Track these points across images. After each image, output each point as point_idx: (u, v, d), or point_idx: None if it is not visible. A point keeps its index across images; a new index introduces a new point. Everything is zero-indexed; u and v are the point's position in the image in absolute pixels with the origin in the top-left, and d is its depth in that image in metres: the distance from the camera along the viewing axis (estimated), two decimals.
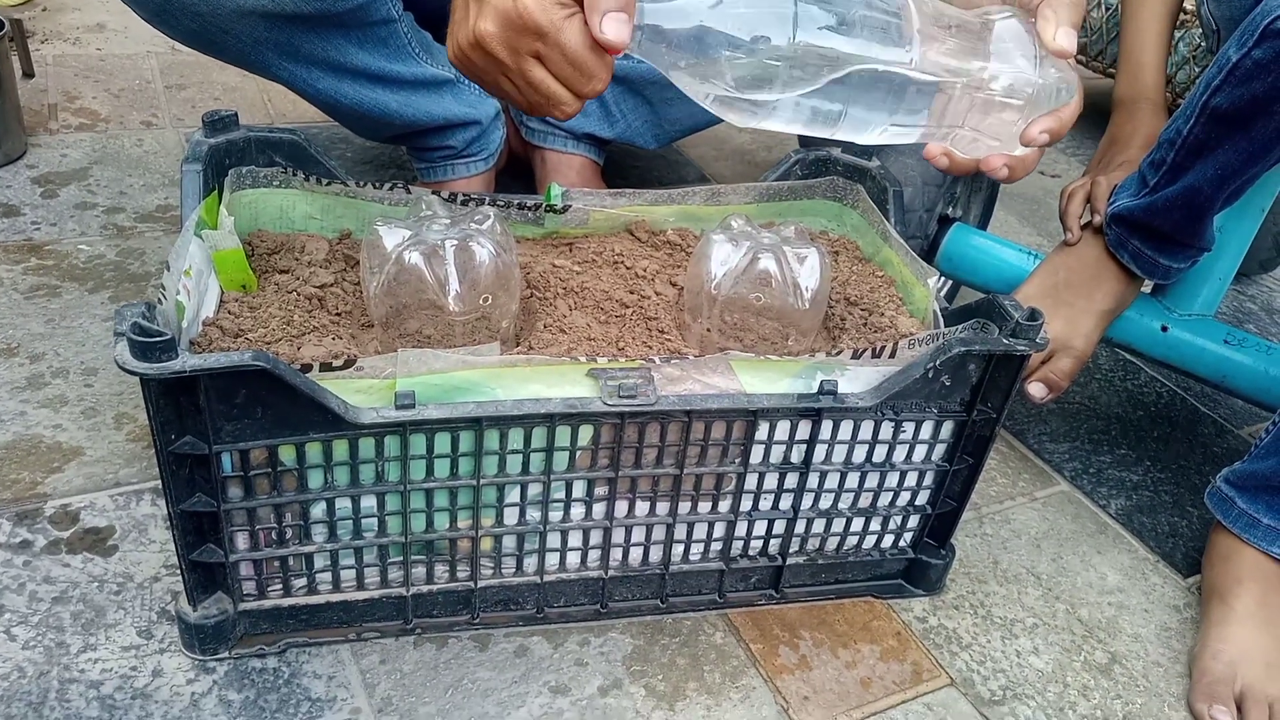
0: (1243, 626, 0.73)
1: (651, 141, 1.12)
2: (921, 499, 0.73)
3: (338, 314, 0.71)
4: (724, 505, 0.69)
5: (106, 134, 1.24)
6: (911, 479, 0.71)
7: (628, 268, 0.81)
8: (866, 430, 0.67)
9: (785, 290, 0.71)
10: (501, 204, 0.80)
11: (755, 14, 0.54)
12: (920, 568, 0.76)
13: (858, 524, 0.72)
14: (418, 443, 0.60)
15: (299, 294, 0.71)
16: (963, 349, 0.64)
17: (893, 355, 0.65)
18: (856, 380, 0.66)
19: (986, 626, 0.75)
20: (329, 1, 0.84)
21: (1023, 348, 0.64)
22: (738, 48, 0.54)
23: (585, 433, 0.62)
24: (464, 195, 0.79)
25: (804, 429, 0.66)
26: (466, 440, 0.60)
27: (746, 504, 0.69)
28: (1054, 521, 0.86)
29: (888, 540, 0.74)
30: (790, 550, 0.72)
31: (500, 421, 0.60)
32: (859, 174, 0.87)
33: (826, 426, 0.66)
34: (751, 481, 0.68)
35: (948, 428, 0.69)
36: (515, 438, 0.61)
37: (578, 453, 0.63)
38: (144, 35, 1.52)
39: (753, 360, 0.65)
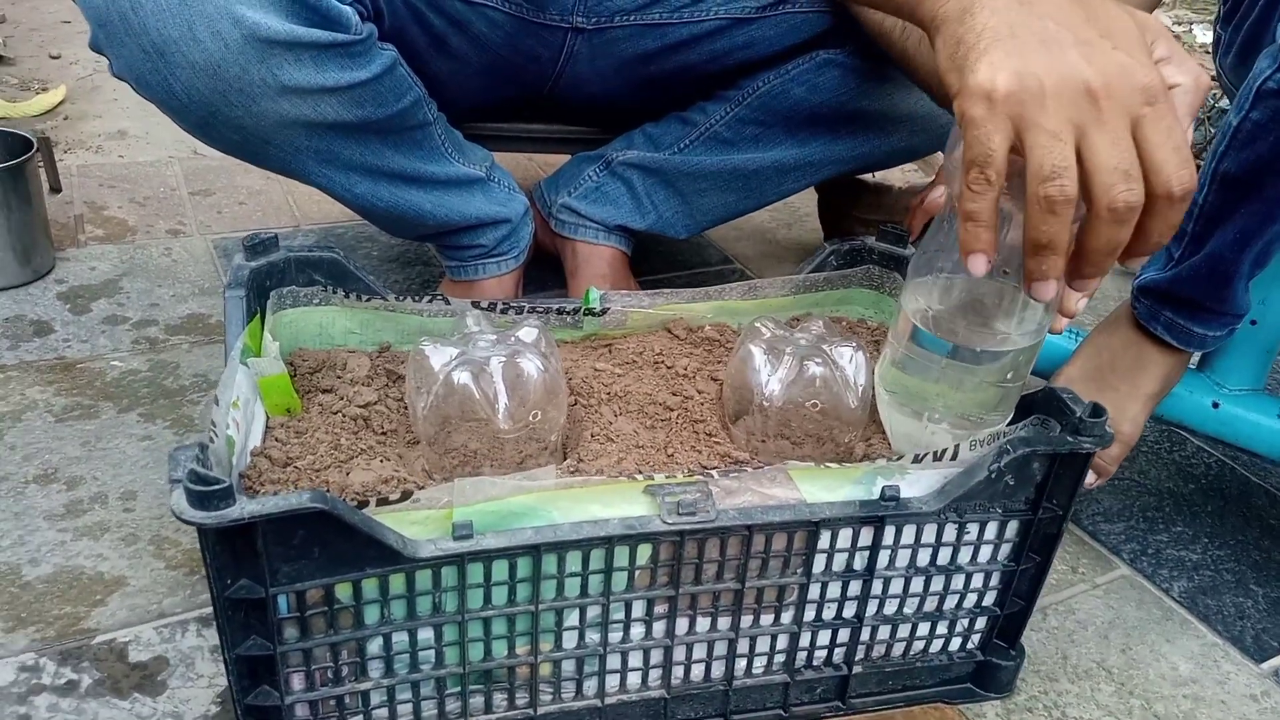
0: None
1: (682, 231, 1.12)
2: (989, 600, 0.70)
3: (383, 433, 0.70)
4: (786, 616, 0.67)
5: (134, 244, 1.25)
6: (978, 580, 0.69)
7: (668, 367, 0.80)
8: (930, 533, 0.66)
9: (838, 391, 0.70)
10: (541, 310, 0.80)
11: None
12: (990, 670, 0.73)
13: (924, 628, 0.70)
14: (475, 572, 0.58)
15: (344, 415, 0.70)
16: (1026, 449, 0.62)
17: (954, 457, 0.64)
18: (918, 484, 0.64)
19: None
20: (370, 109, 0.85)
21: (1088, 445, 0.63)
22: None
23: (644, 551, 0.61)
24: (504, 304, 0.78)
25: (866, 535, 0.64)
26: (524, 566, 0.59)
27: (810, 614, 0.67)
28: (1119, 610, 0.84)
29: (955, 643, 0.72)
30: (856, 658, 0.70)
31: (559, 546, 0.58)
32: (895, 262, 0.86)
33: (889, 532, 0.64)
34: (814, 591, 0.66)
35: (1013, 527, 0.67)
36: (573, 560, 0.60)
37: (637, 572, 0.61)
38: (166, 140, 1.54)
39: (811, 469, 0.63)
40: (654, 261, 1.29)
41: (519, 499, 0.59)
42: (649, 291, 0.83)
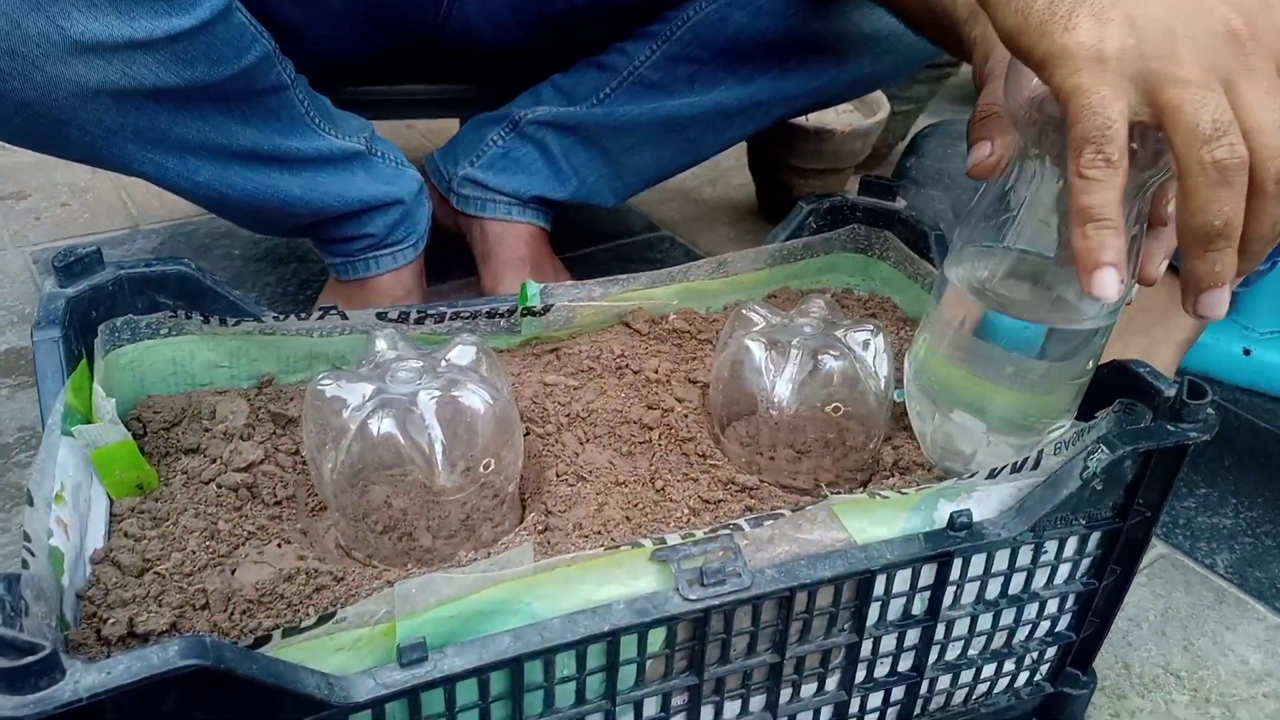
0: None
1: (610, 198, 0.95)
2: (1063, 624, 0.58)
3: (276, 503, 0.52)
4: (832, 682, 0.52)
5: None
6: (1053, 605, 0.56)
7: (635, 371, 0.64)
8: (1002, 560, 0.52)
9: (862, 390, 0.56)
10: (467, 315, 0.63)
11: None
12: (1060, 702, 0.61)
13: (989, 669, 0.57)
14: (434, 701, 0.41)
15: (219, 485, 0.52)
16: (1126, 447, 0.49)
17: (1036, 466, 0.50)
18: (987, 502, 0.50)
19: None
20: (202, 70, 0.65)
21: (1194, 435, 0.50)
22: None
23: (657, 637, 0.45)
24: (418, 310, 0.61)
25: (928, 573, 0.50)
26: (500, 681, 0.43)
27: (860, 674, 0.53)
28: (1168, 597, 0.73)
29: (1022, 677, 0.59)
30: (914, 714, 0.56)
31: (548, 651, 0.42)
32: (884, 219, 0.72)
33: (957, 565, 0.50)
34: (866, 648, 0.51)
35: (1095, 539, 0.54)
36: (565, 662, 0.44)
37: (648, 662, 0.46)
38: None
39: (860, 501, 0.49)
40: (567, 235, 1.11)
41: (484, 594, 0.42)
42: (598, 280, 0.67)
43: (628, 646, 0.44)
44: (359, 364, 0.51)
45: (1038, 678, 0.60)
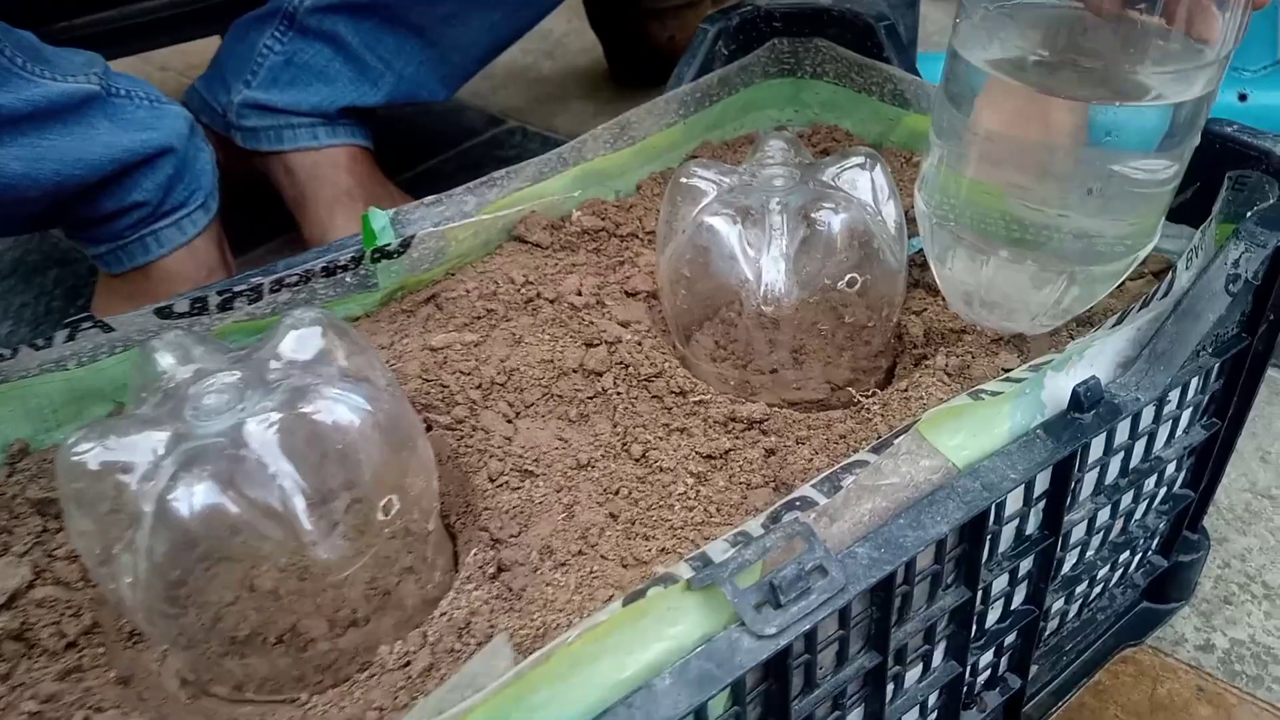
0: None
1: (440, 89, 0.74)
2: (1179, 483, 0.44)
3: (70, 645, 0.33)
4: (938, 655, 0.38)
5: None
6: (1171, 466, 0.42)
7: (550, 300, 0.46)
8: (1121, 430, 0.38)
9: (882, 246, 0.39)
10: (294, 282, 0.43)
11: None
12: (1174, 574, 0.48)
13: (1104, 570, 0.43)
14: None
15: None
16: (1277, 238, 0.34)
17: (1168, 293, 0.35)
18: (1100, 358, 0.35)
19: None
20: None
21: None
22: None
23: (721, 697, 0.29)
24: (220, 291, 0.41)
25: (1043, 476, 0.35)
26: None
27: (971, 632, 0.38)
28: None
29: (1135, 560, 0.46)
30: (1032, 658, 0.42)
31: None
32: (811, 23, 0.55)
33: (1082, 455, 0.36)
34: (978, 600, 0.37)
35: (1216, 367, 0.40)
36: None
37: None
38: None
39: (948, 411, 0.33)
40: (392, 154, 0.89)
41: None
42: (465, 187, 0.48)
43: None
44: (136, 399, 0.32)
45: (1150, 555, 0.47)
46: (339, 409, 0.30)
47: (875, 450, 0.31)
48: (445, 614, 0.34)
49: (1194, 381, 0.40)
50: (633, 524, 0.35)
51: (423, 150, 0.93)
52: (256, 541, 0.29)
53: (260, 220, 0.79)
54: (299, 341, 0.32)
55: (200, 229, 0.66)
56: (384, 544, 0.32)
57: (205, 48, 0.81)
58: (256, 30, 0.72)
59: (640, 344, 0.43)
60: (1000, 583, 0.38)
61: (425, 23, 0.69)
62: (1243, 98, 0.64)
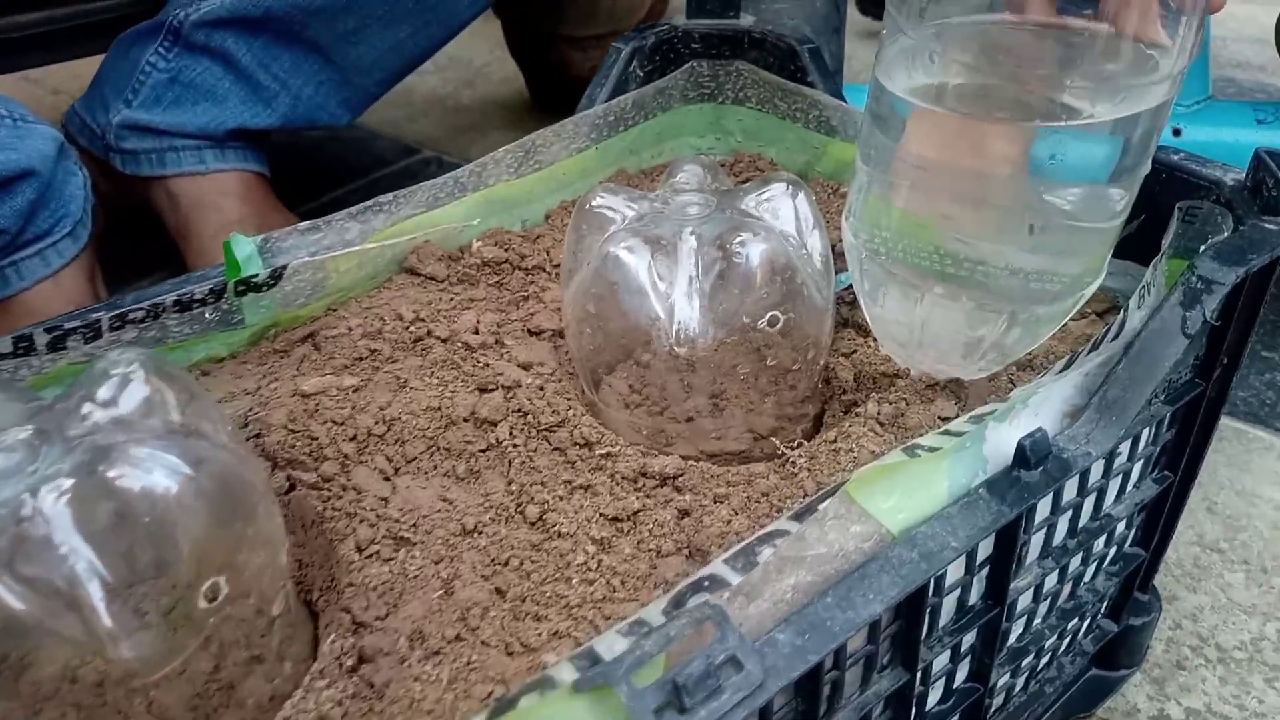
0: None
1: (342, 112, 0.69)
2: (1130, 541, 0.41)
3: None
4: None
5: None
6: (1122, 524, 0.39)
7: (443, 340, 0.41)
8: (1069, 487, 0.34)
9: (807, 282, 0.36)
10: (141, 319, 0.37)
11: None
12: (1124, 639, 0.45)
13: (1051, 639, 0.39)
14: None
15: None
16: (1240, 269, 0.31)
17: (1118, 334, 0.32)
18: (1045, 407, 0.32)
19: (1248, 671, 0.46)
20: None
21: None
22: None
23: None
24: (49, 329, 0.36)
25: (986, 542, 0.31)
26: None
27: (911, 715, 0.34)
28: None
29: (1083, 628, 0.42)
30: None
31: None
32: (731, 45, 0.52)
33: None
34: (917, 679, 0.33)
35: (1168, 416, 0.37)
36: None
37: None
38: None
39: (879, 470, 0.29)
40: (296, 182, 0.84)
41: None
42: (348, 212, 0.43)
43: None
44: None
45: (1099, 619, 0.43)
46: (150, 473, 0.24)
47: (798, 516, 0.27)
48: (296, 708, 0.28)
49: (1145, 432, 0.36)
50: (522, 601, 0.30)
51: (328, 179, 0.88)
52: (43, 638, 0.24)
53: (146, 250, 0.73)
54: (115, 389, 0.27)
55: (67, 260, 0.60)
56: (216, 632, 0.27)
57: (80, 69, 0.74)
58: (139, 46, 0.66)
59: (542, 389, 0.38)
60: (941, 661, 0.34)
61: (324, 40, 0.64)
62: (1177, 133, 0.63)
